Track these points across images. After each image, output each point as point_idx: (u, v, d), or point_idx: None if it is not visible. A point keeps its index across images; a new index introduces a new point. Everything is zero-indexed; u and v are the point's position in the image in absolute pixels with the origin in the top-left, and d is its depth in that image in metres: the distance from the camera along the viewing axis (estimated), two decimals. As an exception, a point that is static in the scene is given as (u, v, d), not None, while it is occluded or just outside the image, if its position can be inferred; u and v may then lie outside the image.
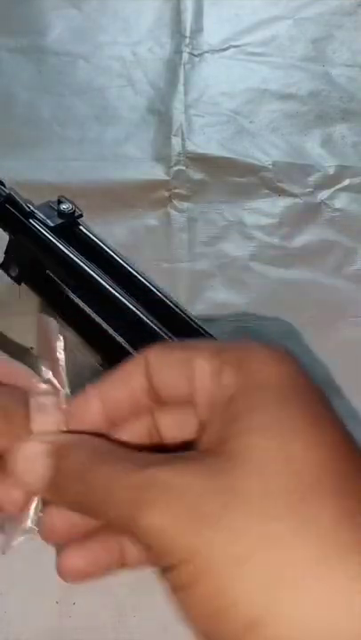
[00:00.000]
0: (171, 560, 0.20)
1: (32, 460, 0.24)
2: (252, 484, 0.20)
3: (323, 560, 0.18)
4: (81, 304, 0.45)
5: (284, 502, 0.19)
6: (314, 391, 0.22)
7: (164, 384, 0.24)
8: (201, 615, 0.20)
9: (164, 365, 0.24)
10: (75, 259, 0.44)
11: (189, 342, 0.25)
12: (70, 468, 0.23)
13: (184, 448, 0.25)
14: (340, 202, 0.60)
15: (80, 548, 0.25)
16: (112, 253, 0.47)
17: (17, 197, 0.47)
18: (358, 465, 0.21)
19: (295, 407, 0.21)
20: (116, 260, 0.46)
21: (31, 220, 0.46)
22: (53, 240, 0.45)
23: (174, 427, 0.26)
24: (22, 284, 0.49)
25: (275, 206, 0.59)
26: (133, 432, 0.25)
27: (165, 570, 0.20)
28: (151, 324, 0.41)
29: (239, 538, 0.19)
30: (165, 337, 0.40)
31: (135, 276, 0.45)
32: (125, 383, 0.25)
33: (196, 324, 0.42)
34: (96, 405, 0.25)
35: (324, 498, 0.19)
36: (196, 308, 0.49)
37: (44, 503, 0.26)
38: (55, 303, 0.48)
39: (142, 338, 0.41)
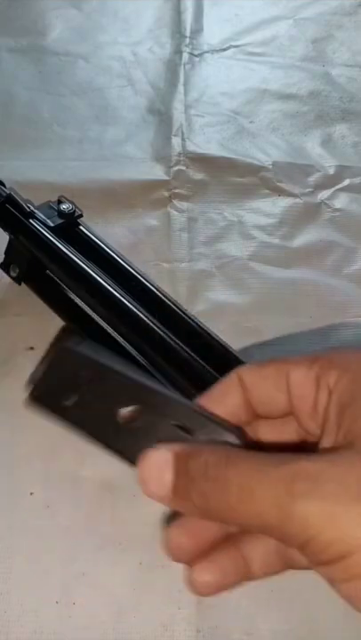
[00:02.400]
0: (336, 552, 0.19)
1: (157, 467, 0.24)
2: None
3: None
4: (81, 304, 0.45)
5: None
6: None
7: (262, 398, 0.25)
8: None
9: (259, 381, 0.25)
10: (75, 259, 0.44)
11: (279, 358, 0.26)
12: (199, 470, 0.23)
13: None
14: (340, 202, 0.60)
15: (208, 564, 0.25)
16: (112, 253, 0.47)
17: (17, 197, 0.47)
18: None
19: None
20: (116, 259, 0.46)
21: (31, 220, 0.46)
22: (53, 240, 0.46)
23: (273, 435, 0.27)
24: (22, 284, 0.49)
25: (275, 206, 0.59)
26: None
27: (327, 563, 0.20)
28: (151, 324, 0.41)
29: None
30: (165, 336, 0.40)
31: (135, 276, 0.45)
32: (221, 402, 0.26)
33: (195, 323, 0.42)
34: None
35: None
36: (196, 308, 0.49)
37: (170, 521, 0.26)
38: (55, 303, 0.48)
39: (142, 337, 0.41)
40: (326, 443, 0.23)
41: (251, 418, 0.26)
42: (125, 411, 0.25)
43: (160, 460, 0.24)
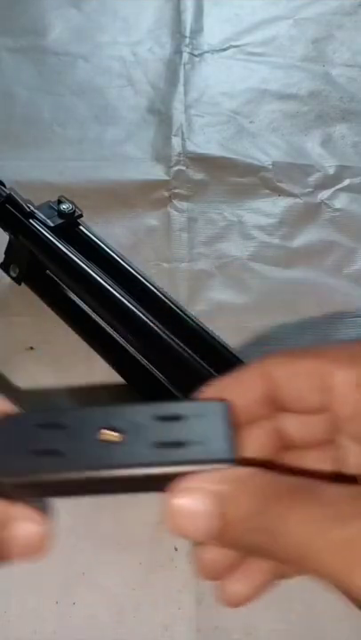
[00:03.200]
0: None
1: (190, 512, 0.21)
2: None
3: None
4: (81, 304, 0.45)
5: None
6: None
7: (292, 395, 0.23)
8: None
9: (291, 376, 0.23)
10: (75, 259, 0.44)
11: (315, 350, 0.24)
12: (243, 516, 0.20)
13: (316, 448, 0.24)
14: (341, 202, 0.60)
15: (238, 576, 0.24)
16: (112, 253, 0.47)
17: (17, 197, 0.47)
18: None
19: None
20: (116, 259, 0.46)
21: (31, 220, 0.46)
22: (53, 240, 0.46)
23: (301, 429, 0.24)
24: (22, 284, 0.49)
25: (275, 206, 0.59)
26: (253, 438, 0.24)
27: None
28: (151, 324, 0.41)
29: None
30: (165, 336, 0.40)
31: (135, 276, 0.45)
32: (238, 392, 0.24)
33: (195, 323, 0.42)
34: None
35: None
36: (196, 308, 0.49)
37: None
38: (55, 303, 0.48)
39: (142, 337, 0.41)
40: None
41: (271, 412, 0.24)
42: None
43: (193, 510, 0.20)
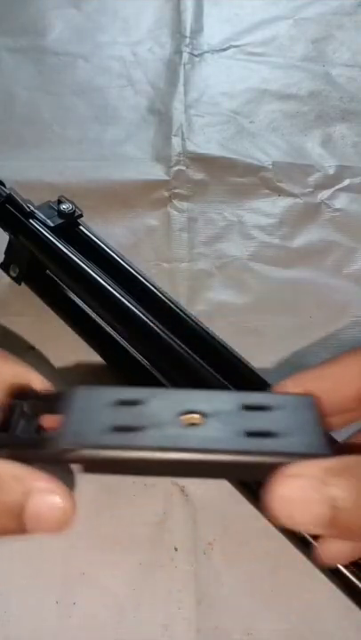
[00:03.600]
0: None
1: (300, 499, 0.20)
2: None
3: None
4: (81, 304, 0.45)
5: None
6: None
7: None
8: None
9: None
10: (75, 259, 0.44)
11: None
12: (354, 501, 0.19)
13: None
14: (340, 202, 0.60)
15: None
16: (112, 253, 0.47)
17: (17, 197, 0.47)
18: None
19: None
20: (116, 259, 0.46)
21: (31, 220, 0.46)
22: (53, 240, 0.46)
23: None
24: (22, 284, 0.49)
25: (275, 206, 0.59)
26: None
27: None
28: (151, 324, 0.41)
29: None
30: (165, 336, 0.40)
31: (135, 276, 0.45)
32: (332, 386, 0.23)
33: (196, 323, 0.42)
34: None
35: None
36: (196, 308, 0.49)
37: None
38: (55, 303, 0.48)
39: (142, 337, 0.41)
40: None
41: None
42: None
43: (303, 497, 0.20)
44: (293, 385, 0.23)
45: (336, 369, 0.23)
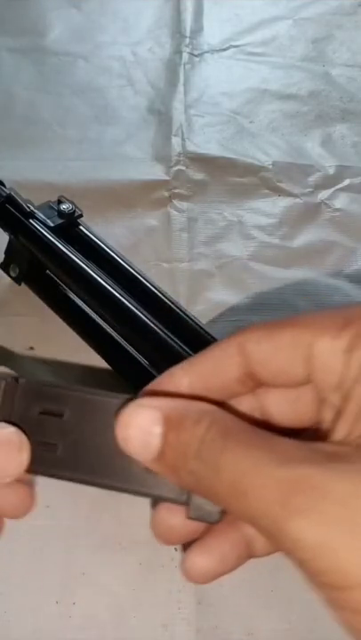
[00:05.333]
0: (333, 581, 0.17)
1: (141, 429, 0.20)
2: None
3: None
4: (81, 304, 0.45)
5: None
6: None
7: (272, 371, 0.22)
8: None
9: (271, 352, 0.21)
10: (75, 259, 0.44)
11: (292, 320, 0.21)
12: (191, 446, 0.19)
13: (297, 427, 0.23)
14: (340, 202, 0.60)
15: (205, 548, 0.22)
16: (112, 253, 0.47)
17: (17, 197, 0.47)
18: None
19: None
20: (116, 259, 0.46)
21: (31, 220, 0.46)
22: (53, 240, 0.46)
23: (284, 405, 0.23)
24: (22, 284, 0.49)
25: (275, 206, 0.59)
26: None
27: (322, 586, 0.18)
28: (151, 324, 0.41)
29: None
30: (165, 336, 0.40)
31: (135, 276, 0.45)
32: (214, 373, 0.22)
33: (196, 323, 0.42)
34: (184, 385, 0.23)
35: None
36: (196, 308, 0.49)
37: (155, 504, 0.23)
38: (55, 303, 0.48)
39: (142, 337, 0.41)
40: (342, 429, 0.20)
41: (252, 388, 0.23)
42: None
43: (145, 422, 0.20)
44: (183, 373, 0.23)
45: (217, 352, 0.23)
